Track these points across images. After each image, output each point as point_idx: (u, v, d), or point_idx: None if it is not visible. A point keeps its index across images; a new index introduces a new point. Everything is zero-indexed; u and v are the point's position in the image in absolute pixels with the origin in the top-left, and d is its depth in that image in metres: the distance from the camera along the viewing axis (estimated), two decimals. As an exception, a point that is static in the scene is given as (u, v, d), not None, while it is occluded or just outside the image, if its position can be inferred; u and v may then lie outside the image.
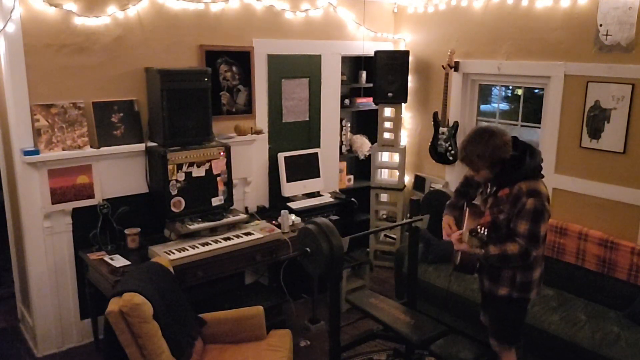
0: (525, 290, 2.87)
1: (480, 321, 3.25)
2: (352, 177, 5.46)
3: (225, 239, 3.74)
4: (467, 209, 2.93)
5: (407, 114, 5.47)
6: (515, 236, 2.70)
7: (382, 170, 5.55)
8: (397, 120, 5.21)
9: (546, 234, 2.83)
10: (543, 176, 2.80)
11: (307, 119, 4.88)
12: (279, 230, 4.00)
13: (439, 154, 5.01)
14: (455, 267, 2.95)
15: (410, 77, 5.17)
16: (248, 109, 4.44)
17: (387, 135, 5.30)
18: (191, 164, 3.79)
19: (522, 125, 4.54)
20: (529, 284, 2.86)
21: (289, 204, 4.51)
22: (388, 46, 5.35)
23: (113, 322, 2.66)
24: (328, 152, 5.05)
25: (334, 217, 3.92)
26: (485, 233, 2.78)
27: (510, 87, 4.97)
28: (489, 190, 2.89)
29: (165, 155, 3.67)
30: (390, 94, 5.08)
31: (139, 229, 3.73)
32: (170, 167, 3.69)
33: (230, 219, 3.94)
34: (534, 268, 2.84)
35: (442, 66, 4.83)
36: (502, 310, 2.97)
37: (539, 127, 4.37)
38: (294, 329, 3.73)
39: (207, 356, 3.13)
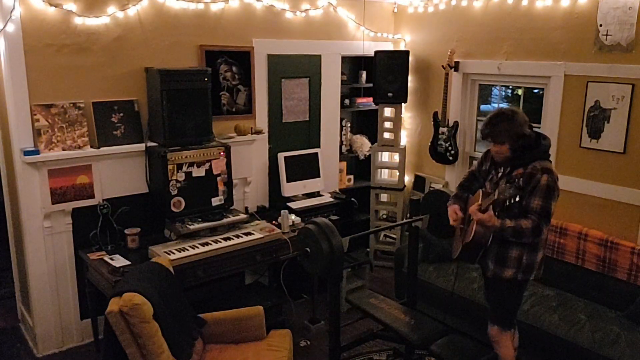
0: (529, 272, 3.00)
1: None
2: (352, 177, 5.46)
3: (225, 239, 3.74)
4: (480, 192, 3.01)
5: (407, 114, 5.47)
6: (527, 212, 2.83)
7: (382, 170, 5.55)
8: (397, 120, 5.21)
9: (553, 212, 2.96)
10: (551, 162, 2.98)
11: (307, 119, 4.88)
12: (279, 230, 4.00)
13: (439, 154, 5.01)
14: (464, 248, 3.02)
15: (410, 77, 5.17)
16: (248, 109, 4.44)
17: (387, 135, 5.30)
18: (191, 164, 3.79)
19: (522, 125, 4.53)
20: (533, 265, 2.99)
21: (289, 204, 4.50)
22: (388, 46, 5.35)
23: (113, 322, 2.66)
24: (328, 152, 5.05)
25: (334, 217, 3.92)
26: (512, 188, 2.84)
27: (510, 87, 4.97)
28: (500, 173, 3.02)
29: (165, 155, 3.67)
30: (390, 94, 5.08)
31: (139, 229, 3.73)
32: (170, 167, 3.69)
33: (230, 219, 3.94)
34: (539, 249, 2.99)
35: (442, 66, 4.83)
36: (505, 293, 3.07)
37: (539, 127, 4.36)
38: (294, 329, 3.73)
39: (207, 356, 3.13)
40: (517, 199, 2.79)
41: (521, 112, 2.96)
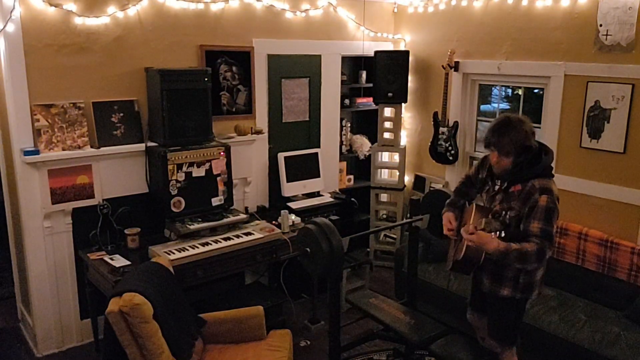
0: (528, 291, 2.85)
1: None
2: (352, 177, 5.46)
3: (225, 239, 3.74)
4: (474, 206, 2.87)
5: (407, 114, 5.47)
6: (528, 236, 2.63)
7: (382, 170, 5.55)
8: (397, 120, 5.21)
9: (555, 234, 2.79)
10: (553, 176, 2.78)
11: (307, 119, 4.88)
12: (279, 230, 4.00)
13: (439, 154, 5.01)
14: (456, 263, 2.84)
15: (410, 77, 5.17)
16: (248, 109, 4.44)
17: (387, 135, 5.30)
18: (191, 164, 3.79)
19: (522, 125, 4.53)
20: (532, 284, 2.84)
21: (289, 204, 4.50)
22: (388, 46, 5.35)
23: (113, 322, 2.66)
24: (328, 152, 5.05)
25: (334, 217, 3.91)
26: (508, 216, 2.68)
27: (510, 87, 4.97)
28: (497, 187, 2.85)
29: (165, 155, 3.67)
30: (390, 94, 5.08)
31: (139, 229, 3.73)
32: (170, 167, 3.69)
33: (230, 219, 3.94)
34: (538, 268, 2.80)
35: (442, 66, 4.83)
36: (503, 311, 2.93)
37: (539, 127, 4.36)
38: (294, 329, 3.73)
39: (207, 356, 3.13)
40: (503, 234, 2.60)
41: (528, 120, 2.72)
